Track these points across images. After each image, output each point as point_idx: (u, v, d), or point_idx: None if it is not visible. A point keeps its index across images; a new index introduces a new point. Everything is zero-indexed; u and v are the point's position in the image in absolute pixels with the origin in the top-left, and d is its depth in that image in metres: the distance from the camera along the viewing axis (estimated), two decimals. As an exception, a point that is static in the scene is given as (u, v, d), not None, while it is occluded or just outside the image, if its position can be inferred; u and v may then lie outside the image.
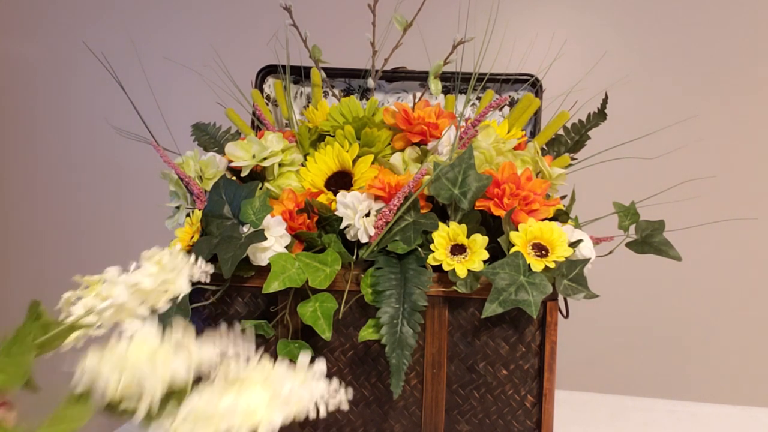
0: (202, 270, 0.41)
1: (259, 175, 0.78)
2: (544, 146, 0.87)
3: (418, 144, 0.77)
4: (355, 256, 0.70)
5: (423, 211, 0.70)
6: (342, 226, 0.69)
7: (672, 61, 1.24)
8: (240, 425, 0.36)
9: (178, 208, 0.79)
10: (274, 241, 0.67)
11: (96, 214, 1.45)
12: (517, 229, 0.67)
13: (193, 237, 0.71)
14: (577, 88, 0.87)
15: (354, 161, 0.75)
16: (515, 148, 0.77)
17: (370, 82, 0.88)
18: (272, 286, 0.64)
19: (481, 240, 0.66)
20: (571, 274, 0.67)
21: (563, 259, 0.65)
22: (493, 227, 0.72)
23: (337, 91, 0.96)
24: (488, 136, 0.75)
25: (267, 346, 0.72)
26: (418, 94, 0.94)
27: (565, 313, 0.74)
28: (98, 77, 1.34)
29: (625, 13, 1.25)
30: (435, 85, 0.84)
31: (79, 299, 0.39)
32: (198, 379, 0.38)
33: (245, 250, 0.64)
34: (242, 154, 0.76)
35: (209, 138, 0.93)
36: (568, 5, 1.26)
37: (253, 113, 0.91)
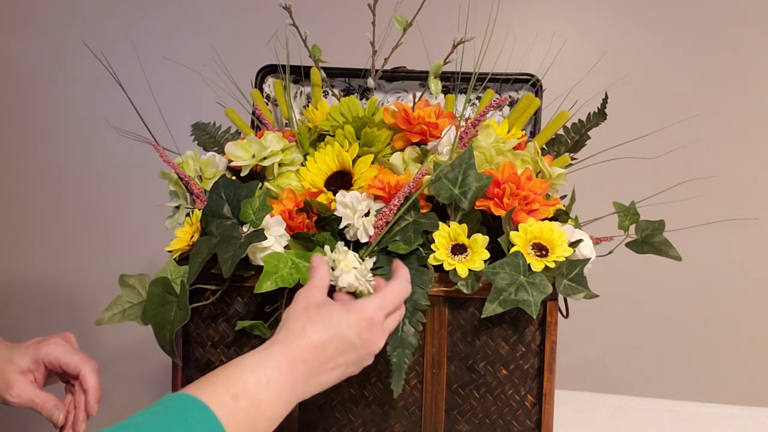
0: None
1: (258, 174, 0.78)
2: (544, 146, 0.87)
3: (418, 144, 0.77)
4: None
5: (423, 211, 0.70)
6: (341, 226, 0.69)
7: (672, 61, 1.24)
8: None
9: (177, 207, 0.79)
10: (274, 240, 0.67)
11: (95, 213, 1.45)
12: (517, 229, 0.67)
13: (192, 237, 0.71)
14: (577, 88, 0.87)
15: (354, 161, 0.74)
16: (515, 148, 0.77)
17: (370, 82, 0.88)
18: (264, 285, 0.64)
19: (481, 240, 0.66)
20: (571, 274, 0.67)
21: (563, 259, 0.65)
22: (493, 227, 0.71)
23: (337, 91, 0.96)
24: (488, 135, 0.75)
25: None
26: (418, 94, 0.94)
27: (565, 313, 0.74)
28: (98, 77, 1.34)
29: (625, 13, 1.25)
30: (435, 84, 0.84)
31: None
32: None
33: (245, 250, 0.64)
34: (242, 153, 0.76)
35: (209, 138, 0.93)
36: (567, 5, 1.26)
37: (253, 113, 0.91)
